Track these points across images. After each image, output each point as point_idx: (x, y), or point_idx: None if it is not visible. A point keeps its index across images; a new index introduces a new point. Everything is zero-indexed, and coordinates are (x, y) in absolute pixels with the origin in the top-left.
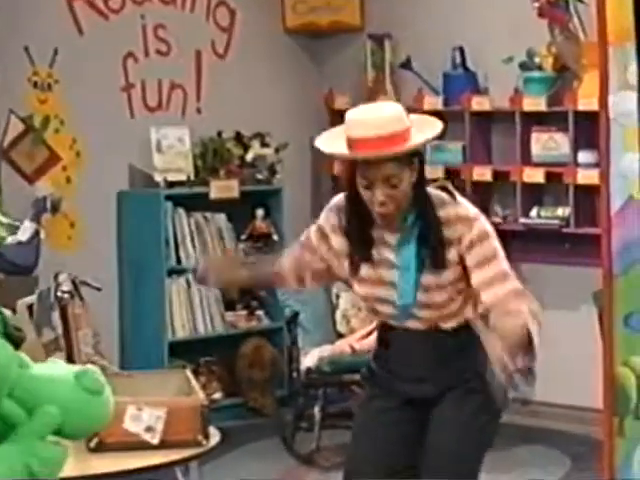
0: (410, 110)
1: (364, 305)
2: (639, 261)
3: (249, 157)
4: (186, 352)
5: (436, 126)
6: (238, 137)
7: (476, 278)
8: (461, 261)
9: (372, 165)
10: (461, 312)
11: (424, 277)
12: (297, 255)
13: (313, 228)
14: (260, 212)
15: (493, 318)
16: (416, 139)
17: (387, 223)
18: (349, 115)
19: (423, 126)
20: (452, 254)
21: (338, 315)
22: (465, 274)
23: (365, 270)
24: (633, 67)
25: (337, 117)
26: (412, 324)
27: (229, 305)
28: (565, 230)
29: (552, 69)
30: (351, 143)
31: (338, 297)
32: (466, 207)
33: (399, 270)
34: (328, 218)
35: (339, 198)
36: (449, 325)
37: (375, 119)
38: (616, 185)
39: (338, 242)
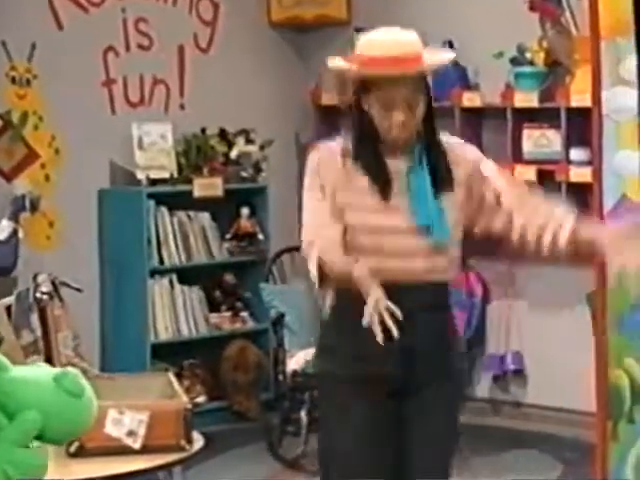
0: None
1: (362, 244)
2: None
3: (233, 154)
4: (169, 354)
5: (447, 53)
6: (222, 134)
7: (500, 183)
8: (468, 182)
9: (393, 85)
10: (455, 264)
11: (438, 202)
12: (339, 227)
13: (317, 196)
14: (245, 211)
15: (587, 231)
16: (435, 59)
17: (398, 149)
18: (366, 37)
19: (434, 53)
20: (459, 174)
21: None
22: (469, 205)
23: (376, 201)
24: (627, 62)
25: (324, 113)
26: (415, 264)
27: (213, 306)
28: None
29: (544, 64)
30: (369, 63)
31: (325, 297)
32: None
33: (414, 195)
34: (326, 173)
35: (328, 148)
36: (446, 276)
37: (395, 40)
38: (609, 184)
39: (354, 184)
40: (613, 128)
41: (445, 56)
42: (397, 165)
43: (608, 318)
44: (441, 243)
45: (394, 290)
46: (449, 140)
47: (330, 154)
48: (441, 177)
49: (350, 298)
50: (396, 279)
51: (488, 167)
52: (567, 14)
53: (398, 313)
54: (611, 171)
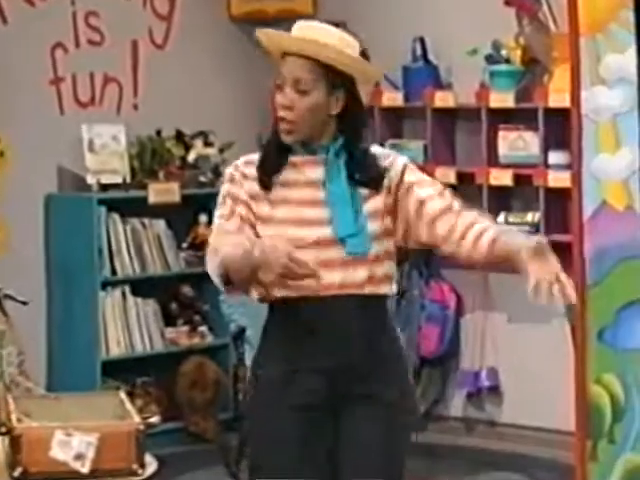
0: (367, 107)
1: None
2: (614, 271)
3: (191, 158)
4: (121, 372)
5: (361, 60)
6: (179, 136)
7: (424, 192)
8: (394, 193)
9: (287, 63)
10: (390, 277)
11: (358, 213)
12: (247, 235)
13: (228, 203)
14: (203, 218)
15: (505, 240)
16: (330, 54)
17: (306, 152)
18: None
19: (358, 63)
20: (385, 184)
21: None
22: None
23: (283, 212)
24: (607, 60)
25: None
26: (343, 278)
27: (169, 320)
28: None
29: (520, 62)
30: (276, 40)
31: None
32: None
33: (331, 206)
34: (241, 181)
35: (245, 160)
36: (383, 290)
37: (309, 26)
38: (588, 188)
39: (251, 188)
40: (592, 130)
41: (345, 57)
42: (310, 174)
43: (587, 332)
44: (360, 255)
45: (324, 304)
46: (377, 150)
47: (245, 166)
48: (362, 185)
49: (279, 311)
50: (319, 294)
51: (414, 176)
52: (545, 9)
53: (307, 264)
54: (590, 175)
